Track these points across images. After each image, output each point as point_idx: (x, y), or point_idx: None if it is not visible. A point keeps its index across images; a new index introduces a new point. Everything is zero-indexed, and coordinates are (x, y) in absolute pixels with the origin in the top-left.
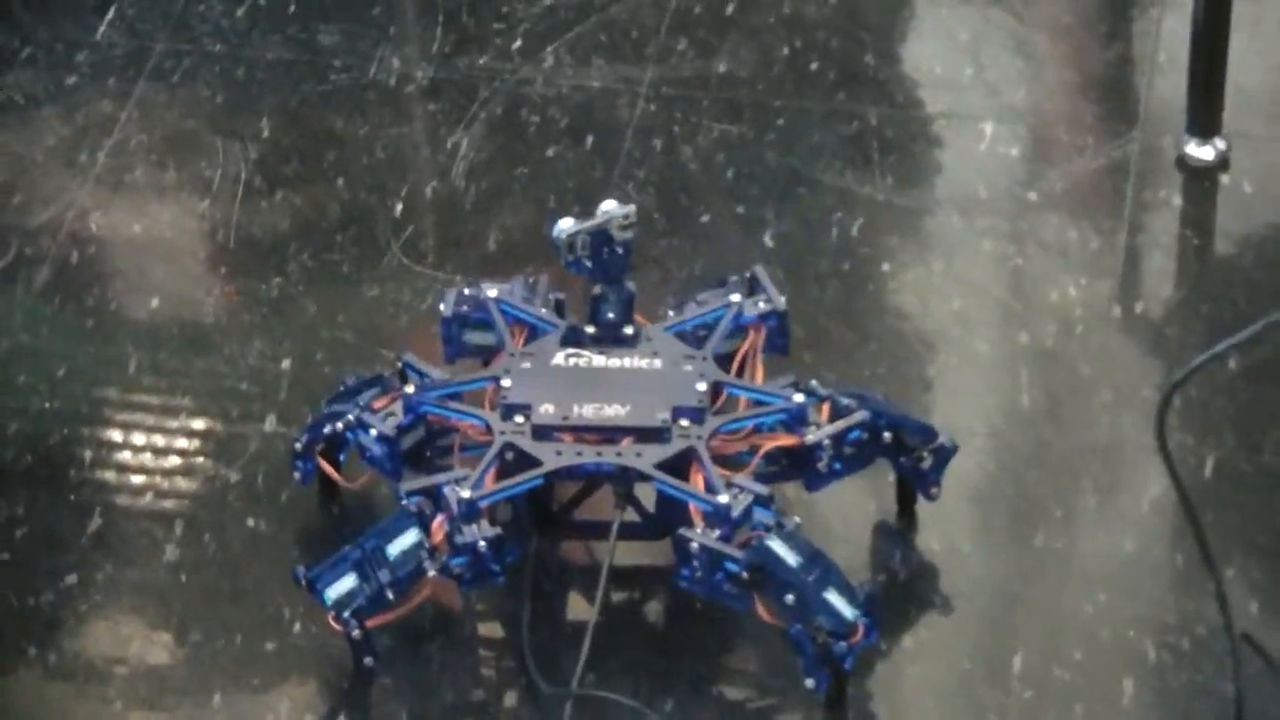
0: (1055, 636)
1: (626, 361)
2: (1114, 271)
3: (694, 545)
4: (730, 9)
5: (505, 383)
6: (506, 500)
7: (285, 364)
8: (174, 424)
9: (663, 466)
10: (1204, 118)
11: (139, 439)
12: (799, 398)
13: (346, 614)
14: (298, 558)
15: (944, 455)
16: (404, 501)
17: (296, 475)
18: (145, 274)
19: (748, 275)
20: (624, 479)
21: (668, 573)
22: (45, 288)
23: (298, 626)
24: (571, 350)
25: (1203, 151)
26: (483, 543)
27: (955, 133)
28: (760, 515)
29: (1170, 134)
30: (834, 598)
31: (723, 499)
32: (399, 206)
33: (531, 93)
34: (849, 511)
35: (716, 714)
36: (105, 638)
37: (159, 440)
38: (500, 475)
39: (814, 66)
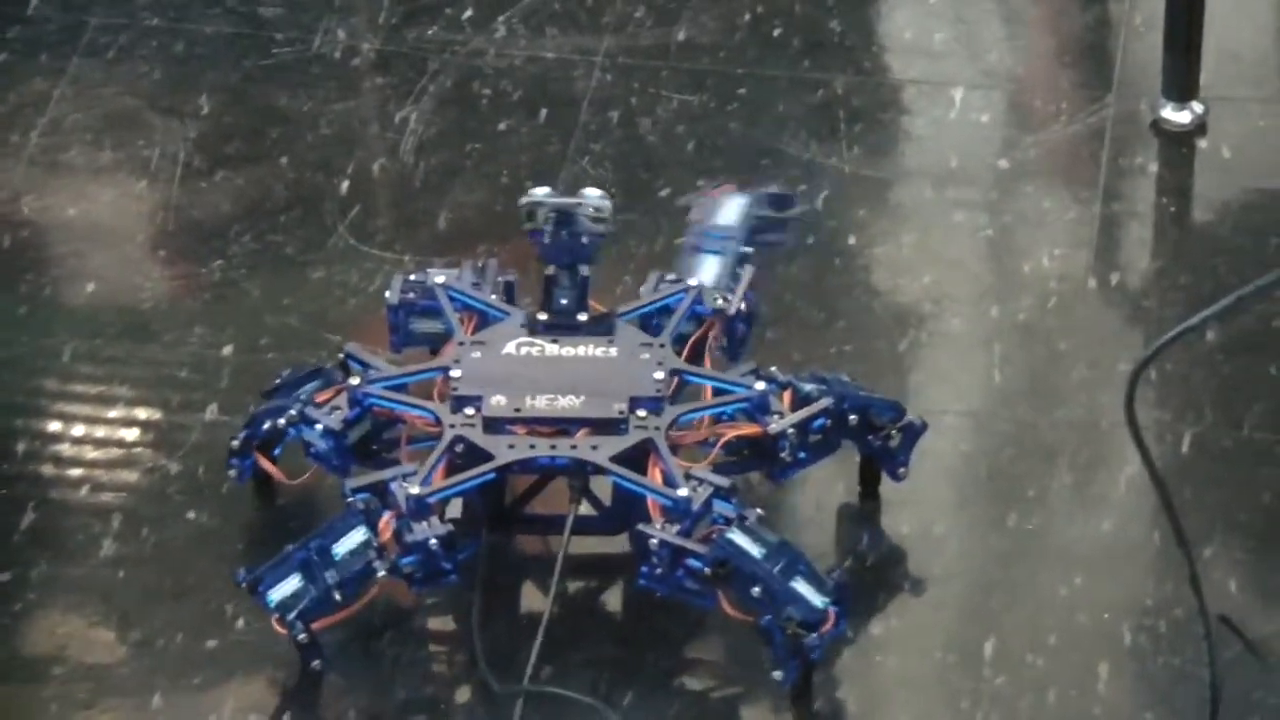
0: (1029, 621)
1: (581, 350)
2: (1090, 241)
3: (653, 541)
4: None
5: (455, 373)
6: (457, 495)
7: (227, 350)
8: (112, 414)
9: (620, 459)
10: (1180, 81)
11: (76, 430)
12: (760, 385)
13: (291, 616)
14: (241, 552)
15: (912, 434)
16: (350, 499)
17: (232, 473)
18: (81, 259)
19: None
20: (579, 473)
21: (629, 562)
22: None
23: (241, 623)
24: (524, 339)
25: (1179, 115)
26: (434, 541)
27: (925, 100)
28: (721, 508)
29: (1146, 98)
30: (802, 587)
31: (682, 492)
32: (345, 185)
33: (483, 65)
34: (816, 494)
35: (679, 707)
36: (41, 637)
37: (96, 431)
38: (450, 470)
39: (778, 33)
